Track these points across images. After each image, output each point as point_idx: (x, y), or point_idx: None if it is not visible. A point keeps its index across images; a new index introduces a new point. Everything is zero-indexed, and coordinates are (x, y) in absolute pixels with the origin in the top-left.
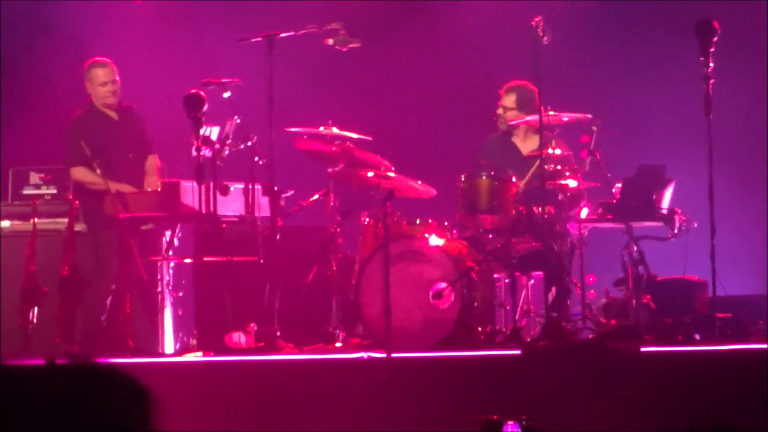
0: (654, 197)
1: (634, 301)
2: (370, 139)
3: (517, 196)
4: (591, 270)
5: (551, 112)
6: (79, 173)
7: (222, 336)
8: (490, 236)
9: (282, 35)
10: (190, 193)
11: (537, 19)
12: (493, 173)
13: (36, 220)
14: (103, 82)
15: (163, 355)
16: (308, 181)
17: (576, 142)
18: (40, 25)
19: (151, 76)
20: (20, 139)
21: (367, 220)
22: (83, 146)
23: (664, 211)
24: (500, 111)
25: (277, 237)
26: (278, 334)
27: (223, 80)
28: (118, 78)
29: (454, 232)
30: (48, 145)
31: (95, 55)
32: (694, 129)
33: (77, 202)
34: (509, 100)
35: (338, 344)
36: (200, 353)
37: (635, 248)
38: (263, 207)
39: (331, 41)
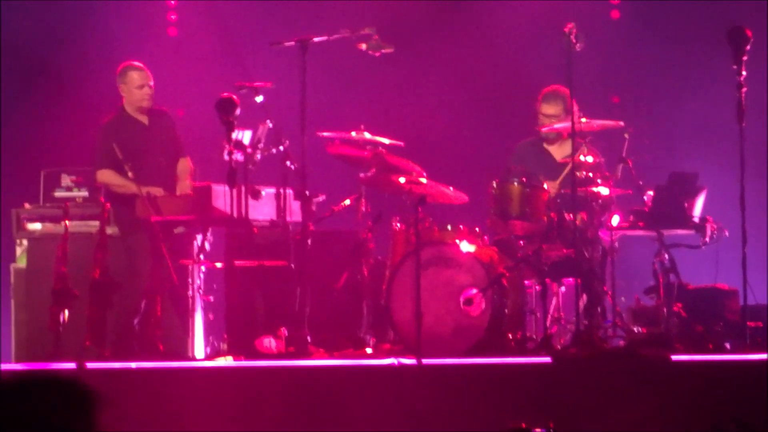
0: (685, 205)
1: (665, 309)
2: (401, 144)
3: (548, 202)
4: (622, 277)
5: (583, 119)
6: (106, 176)
7: (253, 340)
8: (522, 243)
9: (315, 40)
10: (221, 196)
11: (570, 26)
12: (524, 179)
13: (67, 222)
14: (139, 84)
15: (193, 359)
16: (340, 186)
17: (608, 150)
18: (73, 27)
19: (184, 79)
20: (52, 140)
21: (399, 225)
22: (115, 149)
23: (696, 219)
24: (545, 119)
25: (309, 242)
26: (309, 339)
27: (255, 84)
28: (152, 82)
29: (486, 238)
30: (80, 147)
31: (128, 59)
32: (726, 137)
33: (109, 204)
34: (553, 106)
35: (369, 350)
36: (231, 357)
37: (666, 256)
38: (295, 211)
39: (364, 46)
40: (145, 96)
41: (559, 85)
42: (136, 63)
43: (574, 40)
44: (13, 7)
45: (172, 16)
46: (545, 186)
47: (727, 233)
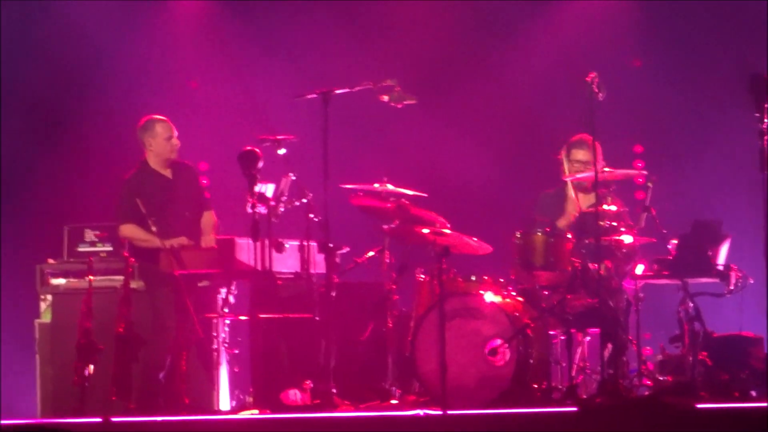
0: (710, 253)
1: (690, 358)
2: (425, 195)
3: (572, 252)
4: (647, 326)
5: (606, 169)
6: (129, 230)
7: (278, 393)
8: (546, 293)
9: (337, 92)
10: (245, 250)
11: (592, 75)
12: (548, 229)
13: (91, 277)
14: (167, 136)
15: (219, 412)
16: (363, 238)
17: (631, 199)
18: (94, 82)
19: (206, 132)
20: (75, 196)
21: (423, 276)
22: (138, 204)
23: (720, 268)
24: (576, 165)
25: (333, 294)
26: (334, 391)
27: (278, 137)
28: (176, 133)
29: (510, 288)
30: (103, 202)
31: (150, 113)
32: (749, 185)
33: (133, 259)
34: (583, 152)
35: (394, 401)
36: (256, 411)
37: (691, 304)
38: (319, 264)
39: (386, 98)
40: (173, 148)
41: (586, 134)
42: (159, 116)
43: (596, 90)
44: (35, 63)
45: (193, 70)
46: (569, 236)
47: (751, 281)
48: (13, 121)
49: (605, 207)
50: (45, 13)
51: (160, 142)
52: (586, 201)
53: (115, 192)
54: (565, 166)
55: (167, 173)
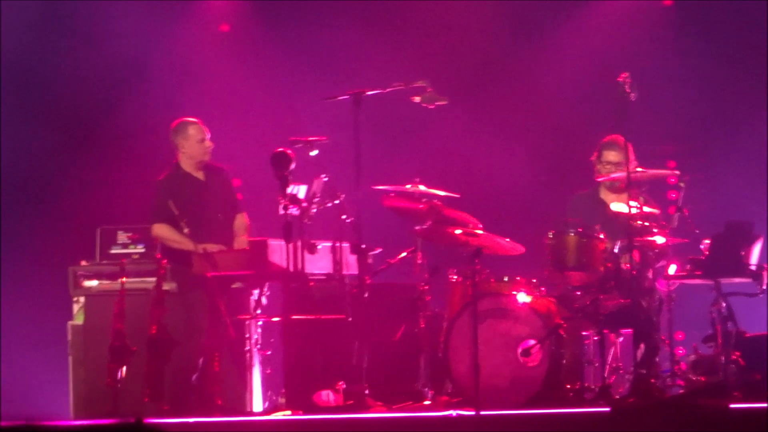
0: (742, 253)
1: (723, 358)
2: (457, 196)
3: (605, 252)
4: (679, 326)
5: (639, 169)
6: (161, 230)
7: (311, 394)
8: (579, 293)
9: (368, 93)
10: (277, 251)
11: (624, 76)
12: (580, 230)
13: (124, 279)
14: (201, 138)
15: (251, 413)
16: (396, 239)
17: (664, 199)
18: (128, 84)
19: (238, 134)
20: (108, 198)
21: (455, 277)
22: (171, 206)
23: (753, 267)
24: (607, 166)
25: (365, 295)
26: (367, 392)
27: (310, 138)
28: (209, 135)
29: (542, 289)
30: (135, 204)
31: (183, 115)
32: None
33: (165, 261)
34: (615, 153)
35: (427, 402)
36: (289, 412)
37: (724, 304)
38: (351, 265)
39: (417, 99)
40: (206, 150)
41: (617, 135)
42: (191, 118)
43: (628, 90)
44: (68, 66)
45: (226, 71)
46: (602, 236)
47: None
48: (46, 124)
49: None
50: (78, 18)
51: (193, 144)
52: (618, 202)
53: (148, 193)
54: (598, 167)
55: (200, 175)
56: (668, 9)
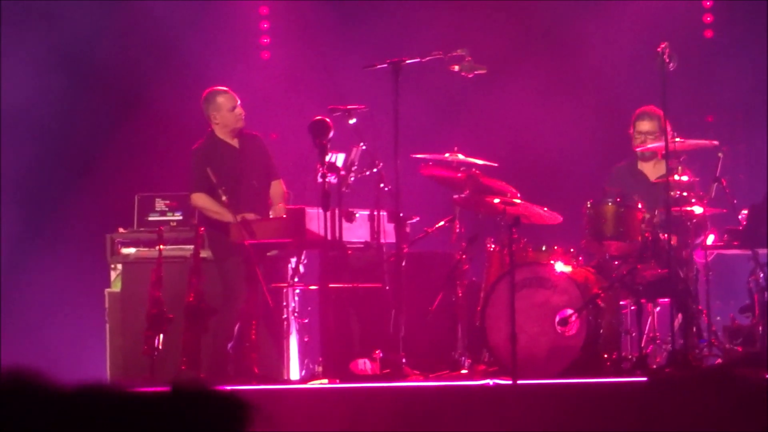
0: None
1: (760, 328)
2: (495, 165)
3: (643, 222)
4: (717, 297)
5: (677, 139)
6: (201, 200)
7: (348, 363)
8: (616, 263)
9: (407, 62)
10: (315, 219)
11: (663, 45)
12: (619, 200)
13: (161, 246)
14: (231, 107)
15: (288, 381)
16: (434, 208)
17: (702, 169)
18: (165, 54)
19: (277, 103)
20: (146, 166)
21: (493, 246)
22: (209, 173)
23: None
24: (640, 136)
25: (403, 264)
26: (404, 360)
27: (348, 107)
28: (239, 101)
29: (580, 258)
30: (173, 171)
31: (220, 84)
32: None
33: (202, 228)
34: (648, 123)
35: (464, 371)
36: (326, 380)
37: (761, 275)
38: (389, 233)
39: (456, 68)
40: (239, 117)
41: (652, 106)
42: (220, 87)
43: (667, 60)
44: (107, 36)
45: (265, 40)
46: (640, 206)
47: None
48: (87, 93)
49: (676, 177)
50: None
51: (225, 114)
52: (654, 171)
53: (186, 162)
54: (634, 138)
55: (234, 143)
56: None
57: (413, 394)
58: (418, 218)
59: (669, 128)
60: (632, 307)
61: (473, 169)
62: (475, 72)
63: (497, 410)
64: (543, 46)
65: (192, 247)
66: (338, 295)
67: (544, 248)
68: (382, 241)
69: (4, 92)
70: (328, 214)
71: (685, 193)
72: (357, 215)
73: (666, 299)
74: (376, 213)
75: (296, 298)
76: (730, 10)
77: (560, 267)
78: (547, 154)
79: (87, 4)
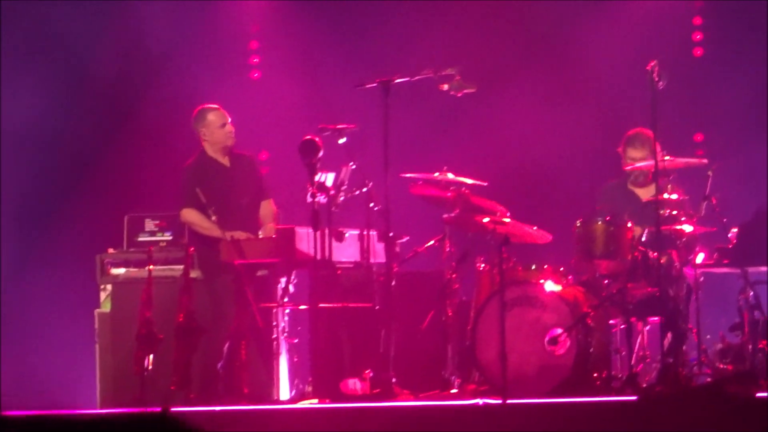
0: None
1: (750, 346)
2: (485, 184)
3: (633, 241)
4: (707, 315)
5: (667, 158)
6: (190, 216)
7: (338, 383)
8: (606, 281)
9: (397, 81)
10: (305, 239)
11: (652, 64)
12: (608, 218)
13: (151, 266)
14: (221, 124)
15: (278, 402)
16: (424, 227)
17: (692, 188)
18: (155, 73)
19: (266, 122)
20: (135, 186)
21: (483, 265)
22: (198, 193)
23: None
24: (630, 160)
25: (393, 283)
26: (394, 380)
27: (338, 126)
28: (230, 120)
29: (570, 277)
30: (163, 191)
31: (210, 102)
32: None
33: (192, 248)
34: (639, 150)
35: (454, 390)
36: (316, 400)
37: (751, 293)
38: (379, 253)
39: (446, 87)
40: (229, 134)
41: (642, 128)
42: (211, 105)
43: (656, 78)
44: (97, 55)
45: (255, 59)
46: (630, 225)
47: None
48: (75, 113)
49: (666, 196)
50: (107, 8)
51: (214, 130)
52: (645, 193)
53: (176, 181)
54: (624, 158)
55: (225, 161)
56: None
57: (403, 414)
58: (407, 237)
59: (659, 147)
60: (622, 326)
61: (463, 189)
62: (465, 91)
63: (487, 430)
64: (532, 65)
65: (182, 266)
66: (328, 314)
67: (533, 267)
68: (372, 260)
69: None
70: (318, 233)
71: (675, 212)
72: (347, 235)
73: (656, 318)
74: (365, 232)
75: (286, 318)
76: (720, 27)
77: (550, 286)
78: (536, 173)
79: (76, 25)
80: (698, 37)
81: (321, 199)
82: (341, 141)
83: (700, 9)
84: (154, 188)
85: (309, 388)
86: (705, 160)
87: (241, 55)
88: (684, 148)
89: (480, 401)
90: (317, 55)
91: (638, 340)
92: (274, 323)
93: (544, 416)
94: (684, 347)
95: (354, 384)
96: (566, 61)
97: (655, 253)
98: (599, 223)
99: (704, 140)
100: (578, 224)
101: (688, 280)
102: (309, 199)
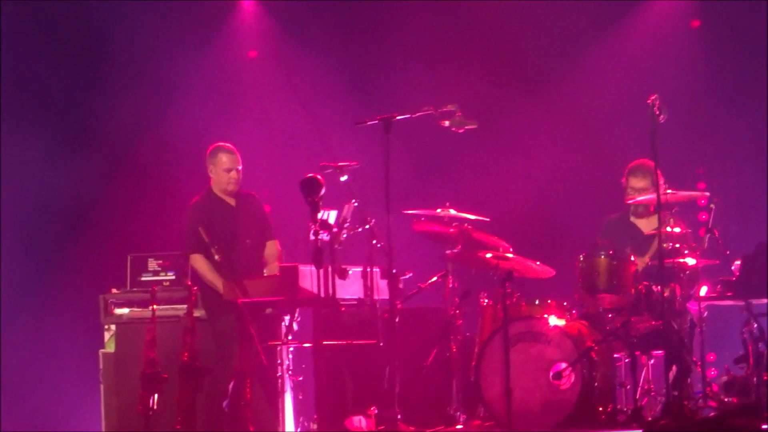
0: None
1: (755, 379)
2: (487, 220)
3: (636, 275)
4: (711, 348)
5: (669, 191)
6: (198, 264)
7: (343, 420)
8: (610, 315)
9: (398, 118)
10: (308, 277)
11: (653, 97)
12: (611, 252)
13: (155, 306)
14: (227, 168)
15: None
16: (426, 264)
17: (694, 220)
18: (158, 113)
19: (269, 160)
20: (138, 226)
21: (486, 301)
22: (201, 232)
23: None
24: (632, 192)
25: (397, 320)
26: (399, 417)
27: (340, 164)
28: (240, 166)
29: (574, 312)
30: (166, 231)
31: (214, 142)
32: None
33: (196, 288)
34: (641, 180)
35: (459, 426)
36: None
37: (755, 325)
38: (382, 290)
39: (447, 123)
40: (231, 180)
41: (645, 159)
42: (227, 145)
43: (657, 112)
44: (100, 95)
45: (256, 98)
46: (633, 258)
47: None
48: (78, 153)
49: (668, 229)
50: (109, 48)
51: (219, 172)
52: (648, 225)
53: (181, 218)
54: (627, 190)
55: (231, 201)
56: (697, 30)
57: None
58: (410, 274)
59: (661, 180)
60: (626, 360)
61: (465, 224)
62: (466, 127)
63: None
64: (533, 100)
65: (185, 306)
66: (332, 352)
67: (537, 302)
68: (376, 297)
69: None
70: (321, 271)
71: (677, 245)
72: (350, 272)
73: (660, 351)
74: (368, 269)
75: (290, 356)
76: (722, 57)
77: (554, 321)
78: (539, 208)
79: (76, 63)
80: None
81: (324, 236)
82: (343, 178)
83: (702, 42)
84: (156, 228)
85: (314, 426)
86: (707, 193)
87: (242, 94)
88: (684, 181)
89: None
90: (318, 92)
91: (643, 374)
92: (279, 361)
93: None
94: (689, 380)
95: (359, 421)
96: (567, 96)
97: (659, 287)
98: (602, 257)
99: (705, 173)
100: (581, 258)
101: (692, 313)
102: (312, 237)
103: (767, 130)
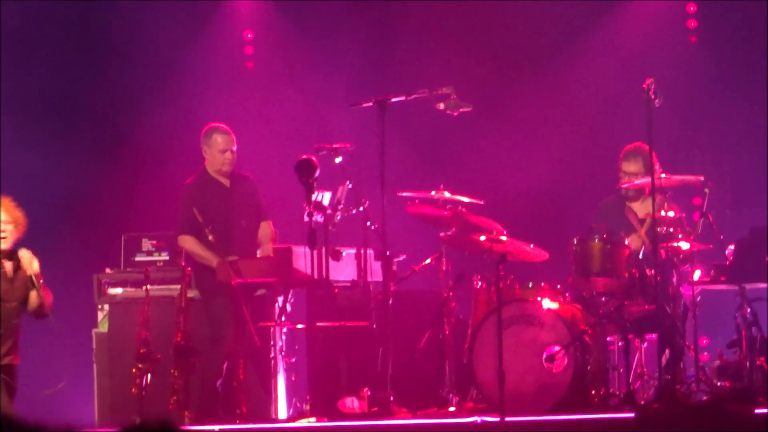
0: (767, 258)
1: (748, 363)
2: (481, 202)
3: (630, 258)
4: (704, 332)
5: (663, 175)
6: (187, 243)
7: (335, 401)
8: (603, 299)
9: (393, 100)
10: (302, 258)
11: (649, 82)
12: (605, 236)
13: (148, 286)
14: (222, 149)
15: (276, 420)
16: (420, 246)
17: (688, 204)
18: (152, 93)
19: (263, 141)
20: (132, 205)
21: (480, 284)
22: (195, 213)
23: None
24: (626, 176)
25: (390, 302)
26: (392, 398)
27: (334, 145)
28: (235, 147)
29: (567, 295)
30: (160, 211)
31: (209, 123)
32: None
33: (189, 268)
34: (634, 164)
35: (452, 408)
36: (314, 419)
37: (749, 310)
38: (376, 272)
39: (442, 105)
40: (225, 161)
41: (639, 143)
42: (222, 126)
43: (653, 96)
44: (94, 73)
45: (250, 79)
46: (626, 242)
47: None
48: (72, 133)
49: (662, 213)
50: (104, 29)
51: (214, 153)
52: (641, 208)
53: (175, 198)
54: (621, 174)
55: (225, 182)
56: (693, 14)
57: None
58: (404, 256)
59: (657, 164)
60: (619, 343)
61: (459, 207)
62: (461, 110)
63: None
64: (528, 83)
65: (179, 286)
66: (325, 333)
67: (530, 285)
68: (369, 279)
69: None
70: (315, 252)
71: (671, 229)
72: (344, 254)
73: (653, 335)
74: (362, 251)
75: (283, 337)
76: (717, 44)
77: (547, 304)
78: (533, 191)
79: (71, 45)
80: (695, 54)
81: (318, 218)
82: (337, 160)
83: (696, 28)
84: (151, 208)
85: (307, 407)
86: (701, 177)
87: (236, 75)
88: (680, 165)
89: (478, 419)
90: (313, 74)
91: (636, 358)
92: (272, 343)
93: None
94: (682, 364)
95: (351, 402)
96: (563, 79)
97: (652, 271)
98: (596, 240)
99: (701, 157)
100: (575, 242)
101: (685, 297)
102: (306, 219)
103: (764, 114)
